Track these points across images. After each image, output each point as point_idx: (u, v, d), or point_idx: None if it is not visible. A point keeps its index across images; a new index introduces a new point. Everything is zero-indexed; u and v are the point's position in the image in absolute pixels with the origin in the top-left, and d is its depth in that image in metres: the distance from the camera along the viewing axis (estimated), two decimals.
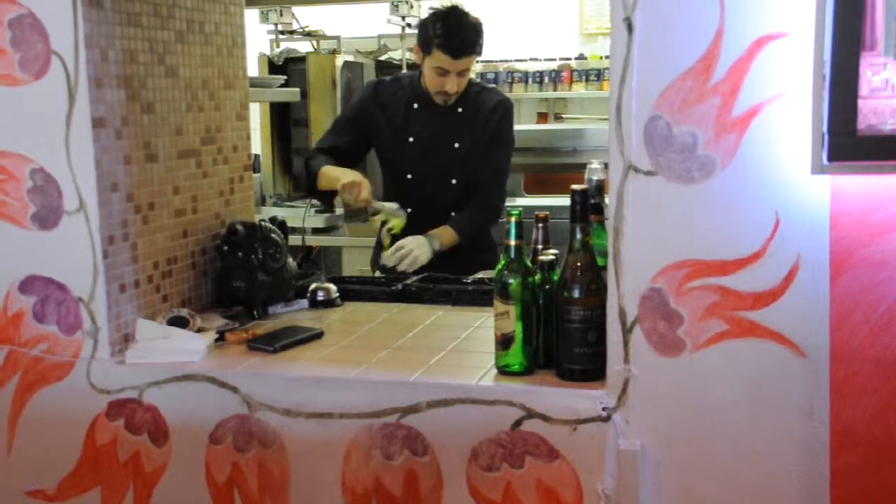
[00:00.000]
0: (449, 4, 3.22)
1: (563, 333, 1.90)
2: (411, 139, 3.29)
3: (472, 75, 3.39)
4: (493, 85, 5.40)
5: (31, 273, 2.10)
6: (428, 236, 3.17)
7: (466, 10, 3.16)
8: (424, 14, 5.35)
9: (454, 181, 3.31)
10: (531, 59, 6.74)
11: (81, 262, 2.07)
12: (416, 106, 3.28)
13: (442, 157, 3.29)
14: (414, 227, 3.19)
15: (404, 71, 4.96)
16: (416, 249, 3.10)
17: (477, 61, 3.35)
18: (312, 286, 2.62)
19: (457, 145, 3.28)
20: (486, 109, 3.30)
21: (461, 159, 3.29)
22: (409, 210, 3.19)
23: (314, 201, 5.19)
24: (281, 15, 5.46)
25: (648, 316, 1.78)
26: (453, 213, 3.29)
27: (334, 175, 3.16)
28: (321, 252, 5.09)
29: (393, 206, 3.13)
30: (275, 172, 5.73)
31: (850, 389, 1.71)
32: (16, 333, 2.13)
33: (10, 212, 2.09)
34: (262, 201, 5.54)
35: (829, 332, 1.71)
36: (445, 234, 3.22)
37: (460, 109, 3.27)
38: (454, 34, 3.08)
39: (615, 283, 1.80)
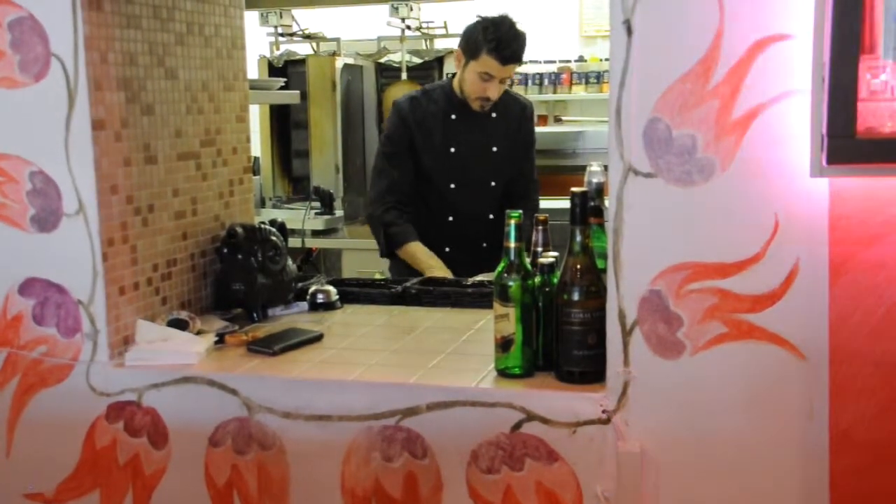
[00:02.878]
0: (499, 13, 3.24)
1: (563, 336, 1.89)
2: (453, 150, 3.33)
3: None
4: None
5: (30, 275, 2.10)
6: None
7: (515, 19, 3.21)
8: (424, 17, 5.41)
9: (493, 184, 3.37)
10: (531, 62, 6.72)
11: (81, 265, 2.07)
12: (453, 117, 3.33)
13: (482, 163, 3.35)
14: (455, 234, 3.29)
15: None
16: None
17: None
18: (312, 288, 2.62)
19: (495, 149, 3.35)
20: (514, 113, 3.39)
21: (498, 163, 3.36)
22: (450, 218, 3.32)
23: (314, 203, 5.21)
24: (281, 17, 5.47)
25: (648, 318, 1.78)
26: (491, 216, 3.33)
27: (422, 262, 3.20)
28: (321, 254, 5.09)
29: None
30: (274, 175, 5.74)
31: (849, 392, 1.71)
32: (15, 336, 2.13)
33: (10, 214, 2.09)
34: (262, 203, 5.55)
35: (828, 335, 1.71)
36: None
37: (494, 115, 3.34)
38: (508, 41, 3.13)
39: (615, 285, 1.80)
